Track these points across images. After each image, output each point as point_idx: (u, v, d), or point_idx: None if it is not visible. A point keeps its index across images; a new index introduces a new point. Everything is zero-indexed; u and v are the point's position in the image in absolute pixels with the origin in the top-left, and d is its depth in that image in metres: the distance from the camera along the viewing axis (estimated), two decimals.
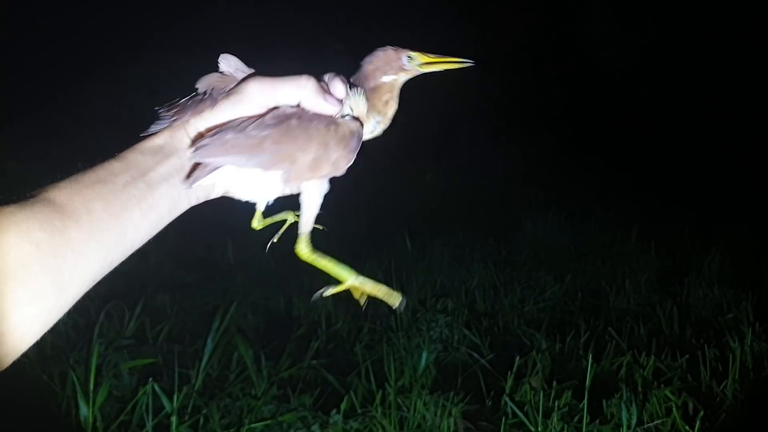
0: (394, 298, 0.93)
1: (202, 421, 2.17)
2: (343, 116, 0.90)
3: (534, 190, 5.89)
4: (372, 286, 0.95)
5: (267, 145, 0.81)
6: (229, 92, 0.86)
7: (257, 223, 1.00)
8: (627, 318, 3.32)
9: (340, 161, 0.87)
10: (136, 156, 0.80)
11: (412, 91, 1.05)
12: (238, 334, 2.65)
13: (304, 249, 0.91)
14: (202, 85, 0.90)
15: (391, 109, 0.98)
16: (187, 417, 2.17)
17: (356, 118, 0.92)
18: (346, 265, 0.93)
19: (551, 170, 6.22)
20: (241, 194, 0.88)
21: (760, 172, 5.70)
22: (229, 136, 0.80)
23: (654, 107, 7.39)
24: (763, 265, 4.15)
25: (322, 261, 0.92)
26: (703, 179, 6.15)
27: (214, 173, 0.80)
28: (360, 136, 0.90)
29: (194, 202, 0.85)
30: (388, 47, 0.98)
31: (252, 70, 0.91)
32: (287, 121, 0.83)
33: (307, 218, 0.92)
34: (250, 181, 0.86)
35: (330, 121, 0.87)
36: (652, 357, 2.70)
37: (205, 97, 0.87)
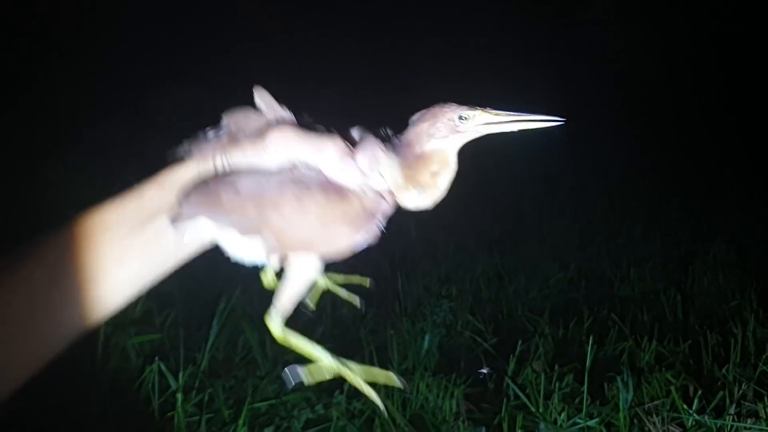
0: (394, 381, 0.81)
1: (206, 398, 2.21)
2: (365, 186, 0.76)
3: (539, 182, 5.89)
4: (363, 374, 0.80)
5: (249, 207, 0.71)
6: (252, 136, 0.77)
7: (268, 280, 0.87)
8: (631, 305, 3.34)
9: (339, 240, 0.74)
10: (158, 190, 0.75)
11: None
12: (243, 317, 2.68)
13: (275, 328, 0.79)
14: (227, 119, 0.80)
15: (443, 179, 0.81)
16: (193, 395, 2.21)
17: (382, 191, 0.78)
18: (330, 352, 0.80)
19: (557, 162, 6.21)
20: (230, 252, 0.77)
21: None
22: (216, 186, 0.72)
23: (661, 97, 7.40)
24: None
25: (297, 343, 0.80)
26: (710, 169, 6.15)
27: (189, 221, 0.72)
28: (380, 212, 0.76)
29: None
30: (438, 105, 0.80)
31: (283, 111, 0.81)
32: (286, 184, 0.72)
33: (288, 295, 0.80)
34: (231, 240, 0.75)
35: (340, 192, 0.74)
36: (654, 341, 2.72)
37: (230, 133, 0.79)
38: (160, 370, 2.21)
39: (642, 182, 5.84)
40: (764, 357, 2.43)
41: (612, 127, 6.57)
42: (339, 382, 2.48)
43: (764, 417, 2.00)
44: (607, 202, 5.26)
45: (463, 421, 2.30)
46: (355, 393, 2.45)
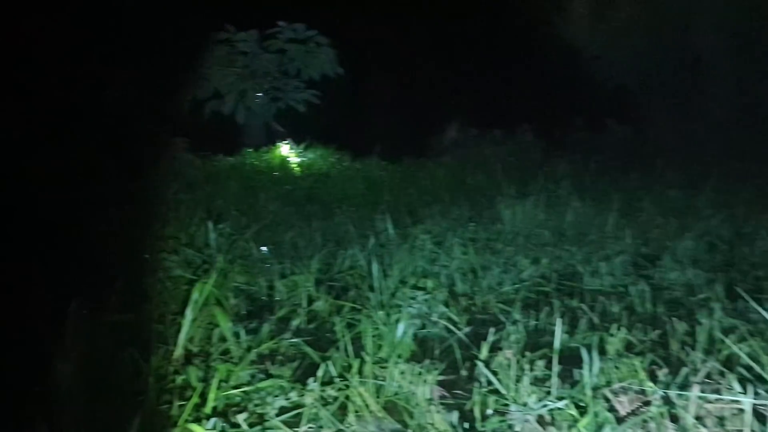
0: None
1: (178, 384, 2.21)
2: None
3: (513, 183, 6.02)
4: None
5: None
6: None
7: None
8: (601, 297, 3.41)
9: None
10: None
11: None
12: (216, 306, 2.69)
13: None
14: None
15: None
16: (165, 381, 2.22)
17: None
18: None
19: (529, 162, 6.35)
20: None
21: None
22: None
23: (631, 100, 7.58)
24: (735, 250, 4.34)
25: None
26: (680, 168, 6.31)
27: None
28: None
29: None
30: None
31: None
32: None
33: None
34: None
35: None
36: (623, 329, 2.78)
37: None
38: (132, 357, 2.20)
39: (612, 182, 5.98)
40: (729, 338, 2.50)
41: (582, 131, 6.73)
42: (313, 369, 2.50)
43: (728, 388, 2.07)
44: (578, 202, 5.37)
45: (436, 406, 2.32)
46: (330, 380, 2.47)
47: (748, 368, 2.30)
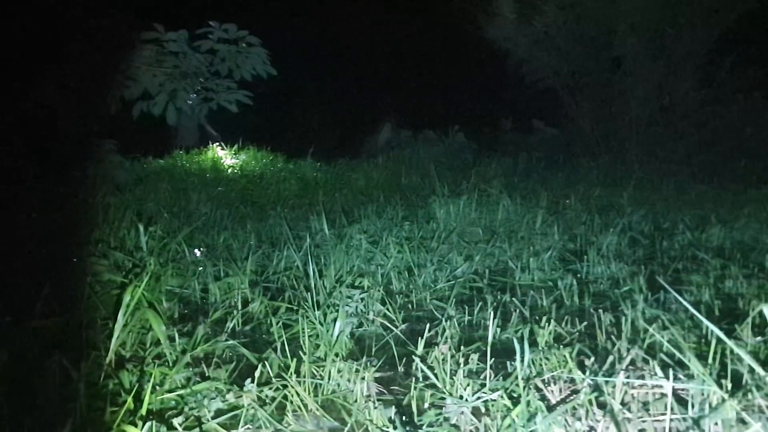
0: None
1: (112, 387, 2.15)
2: None
3: (446, 183, 6.14)
4: None
5: None
6: None
7: None
8: (531, 292, 3.52)
9: None
10: None
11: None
12: (149, 310, 2.63)
13: None
14: None
15: None
16: (97, 387, 2.15)
17: None
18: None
19: (461, 163, 6.48)
20: None
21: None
22: None
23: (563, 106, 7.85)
24: (655, 244, 4.57)
25: None
26: (604, 169, 6.57)
27: None
28: None
29: None
30: None
31: None
32: None
33: None
34: None
35: None
36: (552, 322, 2.88)
37: None
38: (60, 363, 2.13)
39: (540, 181, 6.17)
40: (652, 327, 2.63)
41: (511, 132, 6.92)
42: (250, 371, 2.48)
43: (651, 375, 2.18)
44: (509, 201, 5.52)
45: (374, 403, 2.35)
46: (267, 381, 2.46)
47: (670, 355, 2.42)
